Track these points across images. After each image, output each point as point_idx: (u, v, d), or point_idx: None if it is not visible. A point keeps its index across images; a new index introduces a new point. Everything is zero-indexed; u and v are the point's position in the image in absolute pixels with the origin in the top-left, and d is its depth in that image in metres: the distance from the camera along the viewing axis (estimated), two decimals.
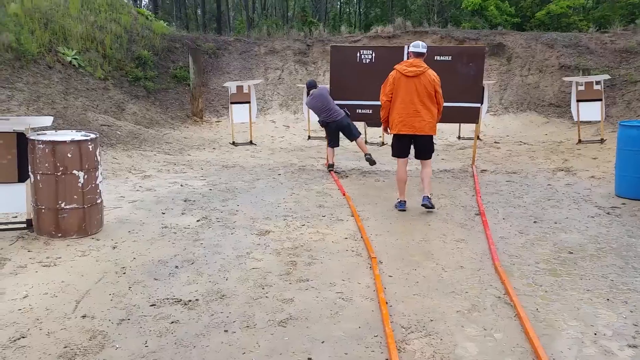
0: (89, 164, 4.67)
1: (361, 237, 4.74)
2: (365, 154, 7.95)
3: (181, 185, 6.71)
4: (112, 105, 11.79)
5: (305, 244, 4.53)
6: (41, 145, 4.53)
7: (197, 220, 5.16)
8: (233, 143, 10.71)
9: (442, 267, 4.05)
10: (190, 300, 3.34)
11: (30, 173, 4.62)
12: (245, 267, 3.94)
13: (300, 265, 4.02)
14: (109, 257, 4.12)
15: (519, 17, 20.68)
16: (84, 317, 3.12)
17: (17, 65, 10.54)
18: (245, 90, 10.81)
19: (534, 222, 5.28)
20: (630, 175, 6.11)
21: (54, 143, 4.55)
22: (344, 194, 6.40)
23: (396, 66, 5.72)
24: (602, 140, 10.17)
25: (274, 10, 35.00)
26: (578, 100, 10.36)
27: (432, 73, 5.57)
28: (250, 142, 10.85)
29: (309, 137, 11.55)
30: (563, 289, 3.61)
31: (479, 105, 8.15)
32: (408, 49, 8.03)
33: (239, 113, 10.72)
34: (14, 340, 2.84)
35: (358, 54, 8.16)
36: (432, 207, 5.63)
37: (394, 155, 5.95)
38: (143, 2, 35.53)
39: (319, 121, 8.21)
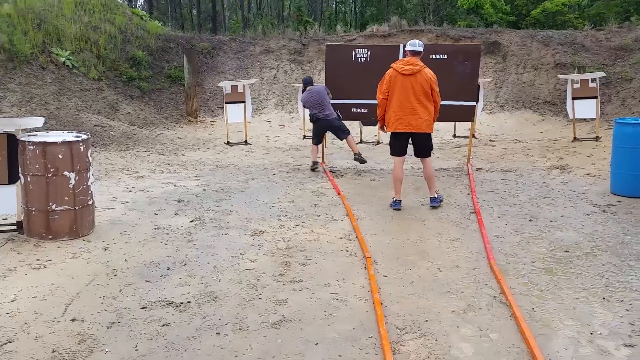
0: (80, 165, 4.62)
1: (356, 237, 4.71)
2: (355, 154, 7.93)
3: (175, 186, 6.66)
4: (106, 106, 11.72)
5: (299, 244, 4.49)
6: (31, 147, 4.48)
7: (191, 221, 5.11)
8: (228, 143, 10.66)
9: (438, 266, 4.02)
10: (182, 303, 3.30)
11: (20, 174, 4.56)
12: (239, 268, 3.90)
13: (295, 265, 3.98)
14: (100, 259, 4.07)
15: (514, 15, 20.69)
16: (73, 320, 3.07)
17: (10, 66, 10.45)
18: (240, 90, 10.76)
19: (530, 220, 5.26)
20: (626, 173, 6.09)
21: (44, 144, 4.49)
22: (338, 194, 6.36)
23: (393, 64, 5.71)
24: (597, 138, 10.15)
25: (269, 10, 34.96)
26: (573, 98, 10.35)
27: (428, 71, 5.57)
28: (245, 142, 10.79)
29: (304, 137, 11.50)
30: (559, 287, 3.58)
31: (474, 103, 8.12)
32: (404, 47, 8.07)
33: (233, 113, 10.66)
34: (1, 346, 2.79)
35: (353, 53, 8.12)
36: (441, 201, 5.82)
37: (391, 153, 5.93)
38: (138, 2, 35.43)
39: (310, 114, 8.17)
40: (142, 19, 17.05)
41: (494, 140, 11.11)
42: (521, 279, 3.75)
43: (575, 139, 10.36)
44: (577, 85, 10.34)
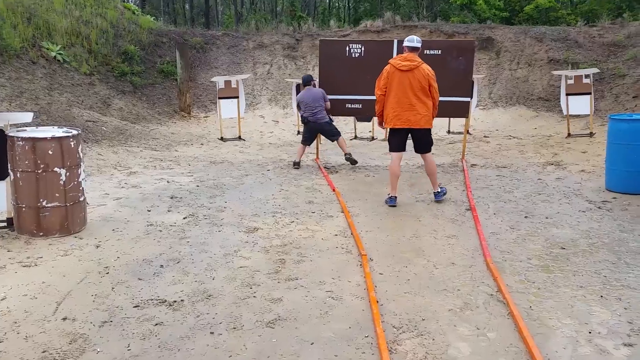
0: (71, 161, 4.54)
1: (351, 234, 4.67)
2: (345, 154, 7.90)
3: (168, 182, 6.59)
4: (98, 101, 11.59)
5: (294, 241, 4.44)
6: (21, 142, 4.39)
7: (184, 218, 5.05)
8: (221, 138, 10.58)
9: (434, 264, 3.98)
10: (175, 301, 3.24)
11: (9, 171, 4.48)
12: (233, 266, 3.84)
13: (289, 263, 3.93)
14: (92, 257, 4.00)
15: (507, 11, 20.69)
16: (64, 319, 3.01)
17: None
18: (234, 85, 10.68)
19: (525, 217, 5.24)
20: (621, 169, 6.09)
21: (34, 140, 4.41)
22: (333, 190, 6.32)
23: (390, 60, 5.70)
24: (591, 134, 10.17)
25: (262, 5, 34.76)
26: (567, 94, 10.36)
27: (426, 67, 5.55)
28: (239, 138, 10.72)
29: (298, 132, 11.45)
30: (556, 285, 3.56)
31: (468, 99, 8.10)
32: (401, 43, 7.99)
33: (227, 108, 10.58)
34: None
35: (347, 48, 8.06)
36: (445, 194, 5.85)
37: (390, 150, 5.91)
38: None
39: (301, 115, 8.13)
40: (134, 13, 16.89)
41: (488, 136, 11.10)
42: (518, 277, 3.73)
43: (569, 135, 10.37)
44: (571, 82, 10.34)
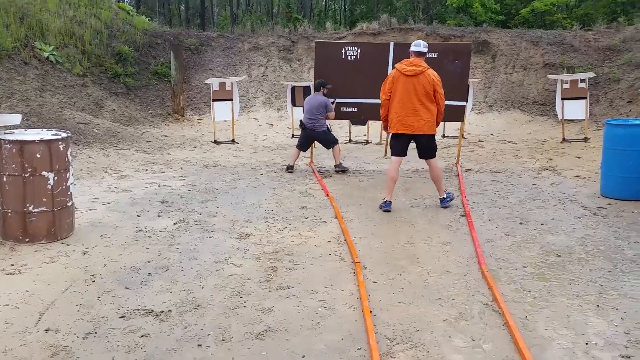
0: (59, 164, 4.44)
1: (345, 241, 4.59)
2: (335, 165, 7.79)
3: (159, 186, 6.49)
4: (90, 103, 11.48)
5: (286, 248, 4.36)
6: (8, 145, 4.29)
7: (174, 223, 4.96)
8: (215, 141, 10.49)
9: (428, 271, 3.91)
10: (162, 311, 3.15)
11: None
12: (223, 274, 3.76)
13: (281, 271, 3.85)
14: (78, 264, 3.91)
15: (503, 15, 20.72)
16: (47, 331, 2.91)
17: None
18: (228, 87, 10.59)
19: (520, 223, 5.18)
20: (616, 175, 6.04)
21: (21, 142, 4.31)
22: (327, 195, 6.24)
23: (396, 65, 5.67)
24: (586, 139, 10.15)
25: (258, 7, 34.67)
26: (563, 99, 10.34)
27: (432, 73, 5.51)
28: (233, 141, 10.63)
29: (293, 136, 11.37)
30: (552, 294, 3.50)
31: (464, 103, 8.05)
32: (397, 46, 7.98)
33: (221, 111, 10.50)
34: None
35: (343, 51, 8.00)
36: (452, 199, 5.80)
37: (391, 154, 5.87)
38: None
39: (300, 119, 8.04)
40: (128, 14, 16.79)
41: (482, 140, 11.07)
42: (513, 285, 3.66)
43: (564, 139, 10.35)
44: (566, 86, 10.32)
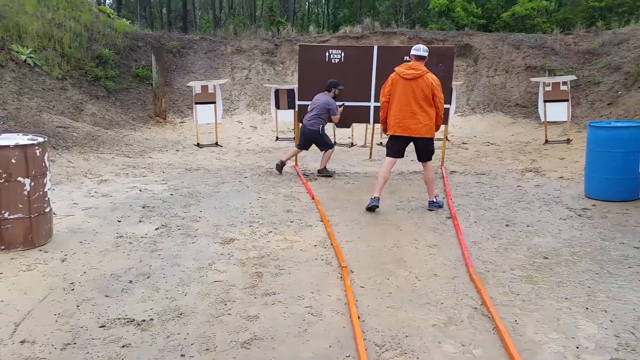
0: (35, 170, 4.30)
1: (331, 244, 4.52)
2: (319, 169, 7.71)
3: (140, 190, 6.35)
4: (70, 106, 11.25)
5: (272, 253, 4.28)
6: None
7: (156, 229, 4.84)
8: (197, 145, 10.35)
9: (416, 275, 3.87)
10: (144, 320, 3.04)
11: None
12: (207, 280, 3.66)
13: (267, 276, 3.77)
14: (56, 272, 3.77)
15: (484, 19, 20.92)
16: (22, 342, 2.79)
17: None
18: (211, 90, 10.47)
19: (506, 225, 5.17)
20: (600, 176, 6.08)
21: None
22: (312, 198, 6.17)
23: (396, 68, 5.71)
24: (568, 141, 10.24)
25: (241, 10, 34.53)
26: (545, 101, 10.42)
27: (431, 76, 5.54)
28: (216, 144, 10.50)
29: (277, 138, 11.28)
30: (541, 297, 3.47)
31: (448, 106, 8.04)
32: (381, 49, 7.96)
33: (203, 113, 10.36)
34: None
35: (327, 54, 7.96)
36: (440, 206, 5.78)
37: (386, 154, 5.91)
38: (107, 0, 34.54)
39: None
40: (109, 16, 16.55)
41: (466, 142, 11.11)
42: (502, 289, 3.63)
43: (546, 141, 10.43)
44: (548, 88, 10.42)
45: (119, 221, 5.07)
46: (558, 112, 10.38)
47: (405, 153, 5.94)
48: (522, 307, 3.34)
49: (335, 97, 7.59)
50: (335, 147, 10.64)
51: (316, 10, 36.15)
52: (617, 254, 4.30)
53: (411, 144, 5.77)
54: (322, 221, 5.23)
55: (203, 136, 10.76)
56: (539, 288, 3.63)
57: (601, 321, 3.12)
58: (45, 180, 4.41)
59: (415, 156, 5.95)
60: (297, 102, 8.08)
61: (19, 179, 4.20)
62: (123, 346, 2.77)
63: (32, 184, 4.27)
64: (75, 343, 2.79)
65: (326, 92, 7.60)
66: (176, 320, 3.06)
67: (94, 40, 13.91)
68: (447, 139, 9.76)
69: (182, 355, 2.69)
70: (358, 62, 7.89)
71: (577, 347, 2.82)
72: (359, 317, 3.12)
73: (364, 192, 6.53)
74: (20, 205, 4.22)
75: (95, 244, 4.38)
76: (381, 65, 7.80)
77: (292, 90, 10.14)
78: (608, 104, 11.64)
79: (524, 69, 13.83)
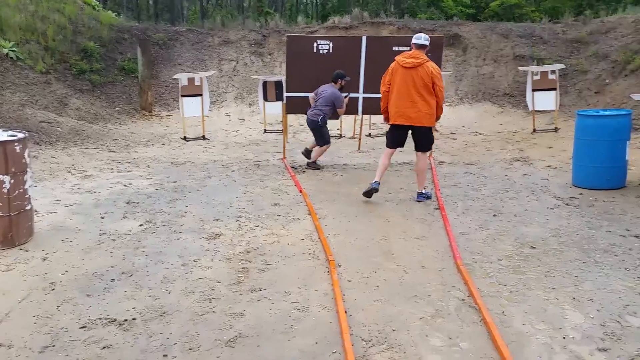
0: (15, 167, 4.21)
1: (318, 238, 4.48)
2: (309, 162, 7.65)
3: (124, 186, 6.25)
4: (54, 101, 11.08)
5: (258, 248, 4.22)
6: None
7: (140, 225, 4.76)
8: (184, 138, 10.24)
9: (404, 268, 3.84)
10: (126, 320, 2.98)
11: None
12: (191, 277, 3.60)
13: (253, 272, 3.72)
14: (37, 271, 3.70)
15: (473, 8, 20.87)
16: None
17: None
18: (197, 83, 10.34)
19: (494, 215, 5.15)
20: (587, 165, 6.08)
21: None
22: (300, 191, 6.12)
23: (396, 57, 5.67)
24: (556, 129, 10.26)
25: (229, 0, 34.16)
26: (534, 90, 10.42)
27: (431, 65, 5.51)
28: (203, 137, 10.39)
29: (265, 131, 11.20)
30: (528, 288, 3.46)
31: None
32: (369, 39, 7.88)
33: (190, 106, 10.24)
34: None
35: (315, 45, 7.85)
36: (428, 198, 5.75)
37: (386, 144, 5.92)
38: None
39: None
40: (94, 9, 16.26)
41: (454, 132, 11.09)
42: (489, 280, 3.61)
43: (534, 130, 10.44)
44: (537, 77, 10.41)
45: (103, 218, 4.99)
46: (546, 101, 10.39)
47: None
48: (510, 298, 3.32)
49: (341, 89, 7.51)
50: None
51: (305, 1, 35.86)
52: (604, 242, 4.30)
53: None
54: (310, 214, 5.18)
55: (190, 129, 10.64)
56: (526, 278, 3.61)
57: (588, 311, 3.11)
58: (25, 177, 4.31)
59: (403, 147, 5.92)
60: (285, 94, 7.99)
61: None
62: (104, 347, 2.71)
63: (12, 181, 4.18)
64: (54, 345, 2.73)
65: (332, 83, 7.51)
66: (159, 319, 3.01)
67: (79, 33, 13.68)
68: (435, 130, 9.75)
69: (164, 355, 2.64)
70: (346, 53, 7.81)
71: (564, 338, 2.81)
72: (345, 312, 3.08)
73: (352, 184, 6.49)
74: None
75: (78, 242, 4.30)
76: (370, 56, 7.73)
77: (280, 82, 10.04)
78: (596, 93, 11.67)
79: (513, 59, 13.82)
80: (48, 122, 9.24)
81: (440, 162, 7.92)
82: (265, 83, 10.80)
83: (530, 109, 10.68)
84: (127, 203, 5.50)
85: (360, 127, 9.63)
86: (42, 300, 3.24)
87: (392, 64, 5.68)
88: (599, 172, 5.97)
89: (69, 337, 2.80)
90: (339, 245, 4.32)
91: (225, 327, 2.92)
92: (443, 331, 2.91)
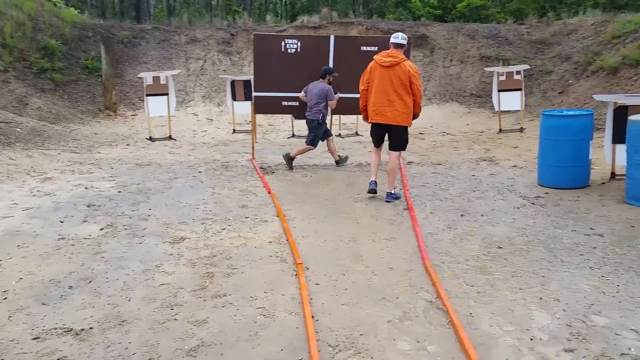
0: None
1: (287, 240, 4.40)
2: (285, 154, 7.60)
3: (86, 188, 6.04)
4: (13, 100, 10.69)
5: (224, 251, 4.12)
6: None
7: (101, 229, 4.59)
8: (150, 138, 10.00)
9: (372, 270, 3.79)
10: (82, 329, 2.85)
11: None
12: (153, 284, 3.47)
13: (218, 277, 3.62)
14: None
15: (440, 9, 21.11)
16: None
17: None
18: (163, 81, 10.12)
19: (461, 215, 5.17)
20: (552, 164, 6.18)
21: None
22: (269, 192, 6.03)
23: (375, 56, 5.71)
24: (521, 129, 10.44)
25: None
26: (499, 90, 10.57)
27: (408, 64, 5.56)
28: (169, 137, 10.18)
29: (234, 131, 11.07)
30: (495, 288, 3.46)
31: None
32: (337, 39, 7.84)
33: (155, 106, 10.01)
34: None
35: (283, 44, 7.77)
36: (398, 198, 5.76)
37: (373, 142, 5.98)
38: None
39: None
40: (55, 5, 15.78)
41: (423, 133, 11.17)
42: (457, 280, 3.60)
43: (500, 130, 10.60)
44: (502, 78, 10.57)
45: (62, 222, 4.80)
46: (512, 101, 10.56)
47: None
48: (477, 299, 3.31)
49: (329, 85, 7.45)
50: (294, 139, 10.55)
51: (274, 0, 35.65)
52: (570, 241, 4.36)
53: None
54: (278, 216, 5.10)
55: (156, 129, 10.41)
56: (493, 279, 3.62)
57: (554, 311, 3.12)
58: None
59: (391, 146, 5.87)
60: (253, 94, 7.87)
61: None
62: (58, 359, 2.57)
63: None
64: (2, 359, 2.58)
65: (320, 79, 7.45)
66: (118, 328, 2.88)
67: (39, 30, 13.25)
68: None
69: None
70: (315, 52, 7.75)
71: (532, 339, 2.81)
72: (313, 317, 3.01)
73: (322, 185, 6.44)
74: None
75: (35, 247, 4.11)
76: (338, 55, 7.69)
77: (249, 81, 9.94)
78: (560, 93, 11.93)
79: (479, 59, 14.02)
80: (6, 123, 8.88)
81: (410, 163, 7.94)
82: (233, 82, 10.67)
83: (496, 109, 10.84)
84: (88, 206, 5.30)
85: (330, 128, 9.58)
86: None
87: (371, 63, 5.70)
88: (564, 171, 6.07)
89: (20, 350, 2.65)
90: (308, 247, 4.26)
91: (187, 335, 2.81)
92: (411, 334, 2.87)
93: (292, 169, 7.47)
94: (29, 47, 12.51)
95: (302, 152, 7.60)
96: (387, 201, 5.70)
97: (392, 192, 5.77)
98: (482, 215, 5.13)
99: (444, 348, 2.73)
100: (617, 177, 6.27)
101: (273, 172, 7.26)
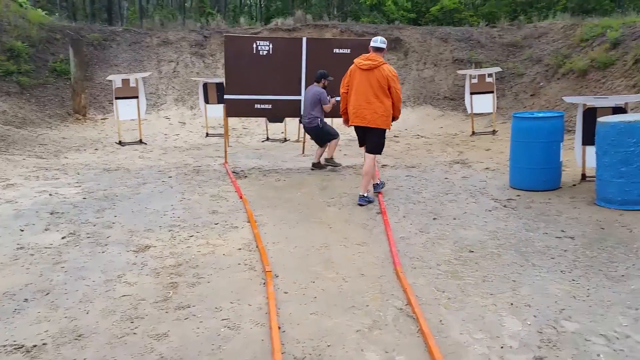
0: None
1: (256, 247, 4.29)
2: (326, 158, 7.63)
3: (50, 195, 5.83)
4: None
5: (191, 260, 3.99)
6: None
7: (62, 238, 4.41)
8: (119, 143, 9.77)
9: (343, 277, 3.72)
10: (35, 346, 2.70)
11: None
12: (114, 295, 3.33)
13: (182, 287, 3.49)
14: None
15: (414, 13, 21.24)
16: None
17: None
18: (132, 84, 9.89)
19: (434, 218, 5.14)
20: (524, 167, 6.20)
21: None
22: (240, 197, 5.91)
23: (355, 59, 5.74)
24: (494, 132, 10.53)
25: (170, 1, 33.25)
26: (472, 93, 10.65)
27: (387, 68, 5.58)
28: (140, 141, 9.95)
29: (207, 135, 10.90)
30: (466, 294, 3.41)
31: None
32: (309, 41, 7.77)
33: (125, 109, 9.78)
34: None
35: (254, 45, 7.66)
36: (371, 201, 5.73)
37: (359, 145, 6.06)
38: None
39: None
40: (21, 6, 15.34)
41: (397, 136, 11.18)
42: (428, 287, 3.55)
43: (473, 133, 10.67)
44: (474, 81, 10.64)
45: (22, 230, 4.60)
46: (484, 104, 10.64)
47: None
48: (448, 305, 3.26)
49: (324, 88, 7.39)
50: (268, 143, 10.43)
51: (248, 2, 35.45)
52: (541, 244, 4.35)
53: None
54: (249, 222, 4.99)
55: (127, 133, 10.17)
56: (464, 284, 3.58)
57: (525, 317, 3.09)
58: None
59: (368, 148, 5.86)
60: (225, 96, 7.74)
61: None
62: None
63: None
64: None
65: (315, 83, 7.40)
66: (73, 343, 2.74)
67: (4, 31, 12.86)
68: None
69: None
70: (287, 54, 7.67)
71: (502, 347, 2.76)
72: (279, 328, 2.92)
73: (295, 189, 6.35)
74: None
75: None
76: (311, 58, 7.63)
77: (222, 84, 9.79)
78: (531, 95, 12.09)
79: (452, 62, 14.12)
80: None
81: (384, 166, 7.90)
82: (205, 85, 10.51)
83: (469, 111, 10.92)
84: (51, 214, 5.11)
85: (305, 131, 9.50)
86: None
87: (351, 66, 5.74)
88: (535, 173, 6.10)
89: None
90: (278, 254, 4.16)
91: (146, 350, 2.69)
92: (379, 344, 2.80)
93: (339, 165, 7.61)
94: None
95: (332, 149, 7.61)
96: (360, 204, 5.64)
97: (365, 195, 5.71)
98: (455, 219, 5.11)
99: (412, 358, 2.67)
100: (587, 179, 6.33)
101: (246, 177, 7.14)
